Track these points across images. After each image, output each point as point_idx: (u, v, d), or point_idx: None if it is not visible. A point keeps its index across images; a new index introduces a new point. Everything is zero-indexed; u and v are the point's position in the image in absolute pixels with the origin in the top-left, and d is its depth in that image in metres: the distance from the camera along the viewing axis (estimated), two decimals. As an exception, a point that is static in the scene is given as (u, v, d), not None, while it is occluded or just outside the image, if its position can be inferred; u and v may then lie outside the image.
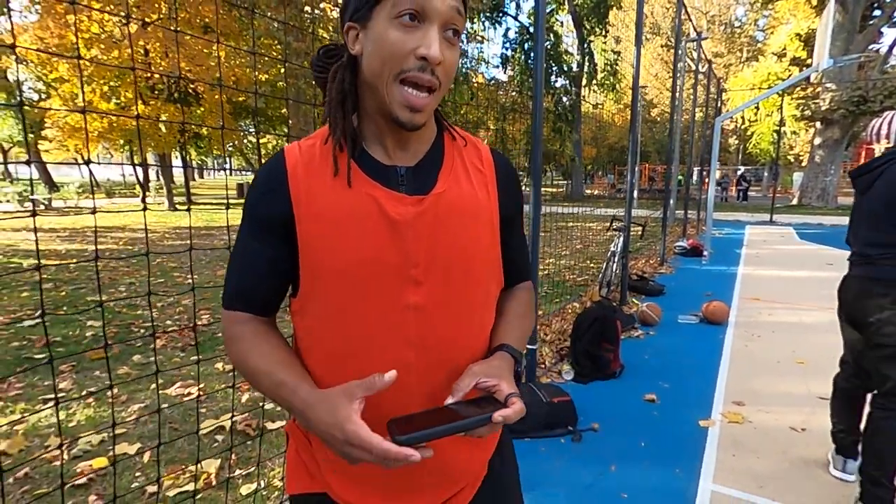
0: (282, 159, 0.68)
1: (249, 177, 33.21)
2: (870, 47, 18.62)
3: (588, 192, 29.77)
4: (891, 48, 19.70)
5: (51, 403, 2.72)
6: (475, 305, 0.73)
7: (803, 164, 24.36)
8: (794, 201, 20.35)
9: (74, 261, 3.40)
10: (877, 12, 18.34)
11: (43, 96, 21.36)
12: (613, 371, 3.19)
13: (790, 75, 21.29)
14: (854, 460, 2.08)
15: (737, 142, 32.70)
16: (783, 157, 28.38)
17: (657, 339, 3.97)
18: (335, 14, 18.43)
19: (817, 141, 18.63)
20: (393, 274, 0.66)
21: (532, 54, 2.85)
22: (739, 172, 26.20)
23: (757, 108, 23.66)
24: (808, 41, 22.07)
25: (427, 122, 0.68)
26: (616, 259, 5.03)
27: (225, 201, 20.36)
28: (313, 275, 0.67)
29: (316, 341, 0.71)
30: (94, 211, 0.79)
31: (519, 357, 0.75)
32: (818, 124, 18.52)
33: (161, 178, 16.60)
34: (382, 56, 0.62)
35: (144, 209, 1.02)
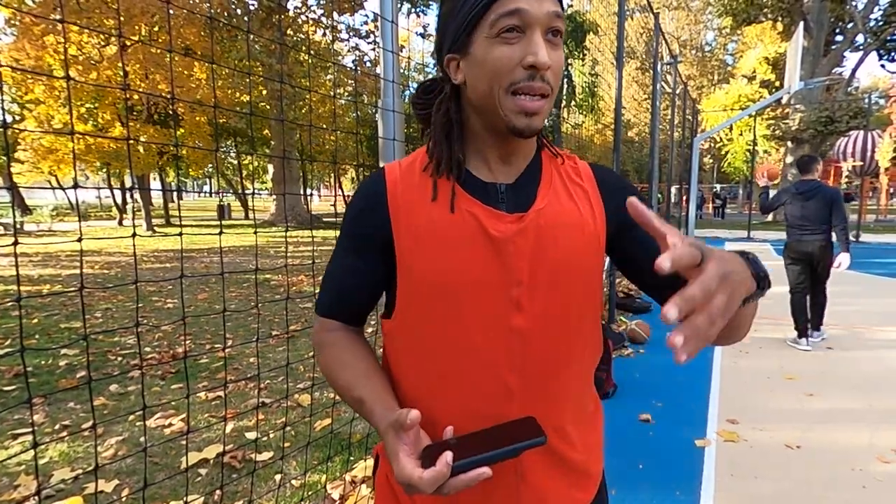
0: (381, 178, 0.69)
1: (229, 198, 32.81)
2: (834, 70, 19.48)
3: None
4: (853, 71, 20.63)
5: (20, 440, 2.58)
6: (581, 324, 0.69)
7: (776, 182, 25.13)
8: (769, 218, 20.91)
9: (55, 287, 3.26)
10: (839, 38, 19.24)
11: (17, 118, 20.93)
12: (606, 391, 3.16)
13: (760, 97, 22.10)
14: (811, 336, 4.22)
15: (711, 161, 33.64)
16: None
17: (647, 357, 3.97)
18: (316, 37, 18.59)
19: (789, 159, 19.26)
20: (494, 294, 0.64)
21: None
22: (714, 190, 26.87)
23: (730, 128, 24.44)
24: (775, 65, 23.00)
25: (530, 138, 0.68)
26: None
27: (205, 223, 19.98)
28: (411, 293, 0.66)
29: (413, 362, 0.69)
30: (79, 238, 0.74)
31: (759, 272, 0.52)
32: (789, 143, 19.17)
33: (139, 200, 16.28)
34: (489, 74, 0.61)
35: (134, 234, 0.96)
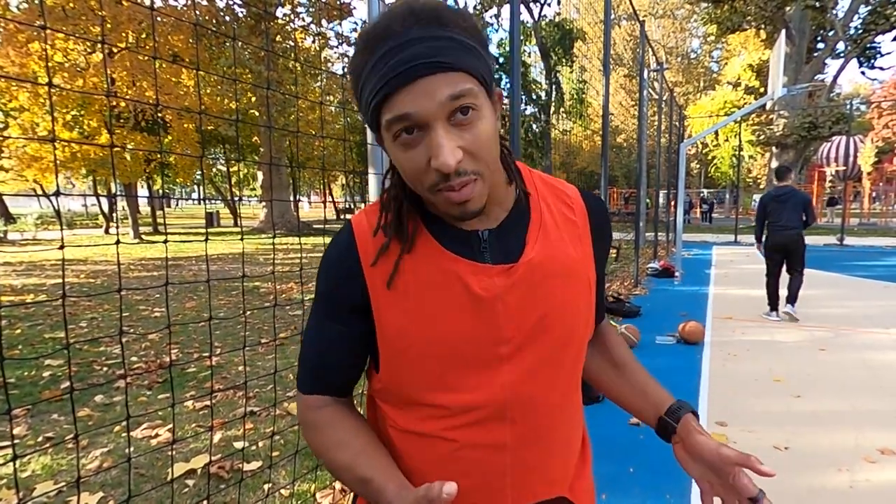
0: (351, 239, 0.64)
1: (218, 206, 32.56)
2: (816, 77, 19.88)
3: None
4: (835, 78, 21.05)
5: (1, 452, 2.53)
6: (568, 367, 0.66)
7: (761, 186, 25.50)
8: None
9: (39, 296, 3.21)
10: (820, 45, 19.64)
11: (1, 126, 20.64)
12: (597, 395, 3.16)
13: (745, 103, 22.47)
14: (786, 308, 5.17)
15: (698, 166, 34.08)
16: (742, 180, 29.65)
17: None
18: (306, 43, 18.61)
19: (774, 164, 19.55)
20: (479, 354, 0.61)
21: (508, 84, 2.93)
22: (702, 195, 27.19)
23: (716, 133, 24.80)
24: (759, 71, 23.42)
25: (499, 189, 0.63)
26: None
27: (194, 231, 19.83)
28: (391, 358, 0.63)
29: (402, 421, 0.65)
30: (62, 246, 0.73)
31: (696, 412, 0.73)
32: (774, 148, 19.48)
33: (126, 208, 16.11)
34: (406, 177, 0.57)
35: (118, 242, 0.95)
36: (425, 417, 0.63)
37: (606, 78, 4.72)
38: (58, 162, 14.16)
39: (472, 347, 0.60)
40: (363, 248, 0.63)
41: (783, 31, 6.86)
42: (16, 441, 2.62)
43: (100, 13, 12.27)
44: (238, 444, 2.55)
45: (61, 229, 0.85)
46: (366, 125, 0.66)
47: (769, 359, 3.96)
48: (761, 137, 20.16)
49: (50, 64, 12.70)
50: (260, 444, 2.60)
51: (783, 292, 5.24)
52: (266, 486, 2.18)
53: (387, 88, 0.51)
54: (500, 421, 0.62)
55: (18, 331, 4.79)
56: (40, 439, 2.65)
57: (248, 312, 5.63)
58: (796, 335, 4.62)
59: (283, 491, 2.16)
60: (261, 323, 5.23)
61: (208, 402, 3.09)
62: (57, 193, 0.77)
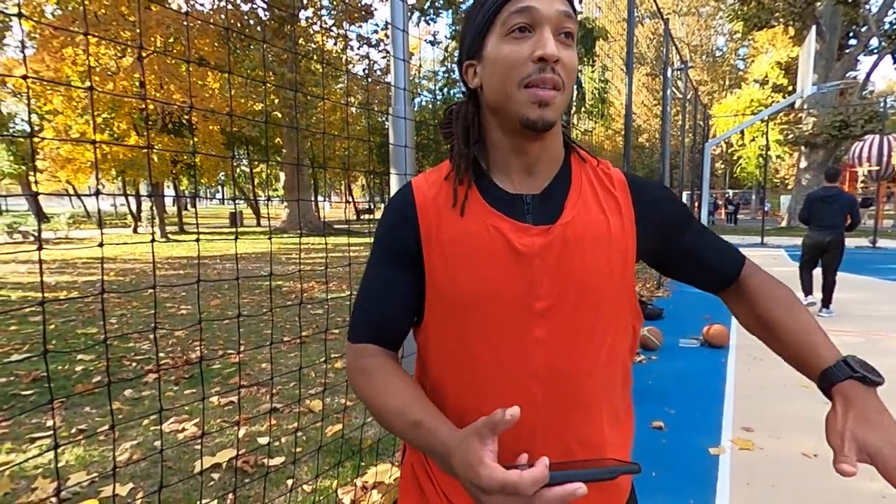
0: (410, 191, 0.71)
1: (241, 206, 33.17)
2: (847, 74, 19.27)
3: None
4: (868, 75, 20.38)
5: (38, 443, 2.63)
6: (604, 337, 0.68)
7: (789, 186, 24.84)
8: (783, 224, 20.66)
9: (72, 293, 3.33)
10: (852, 41, 19.04)
11: (36, 128, 21.40)
12: (618, 398, 3.13)
13: (773, 101, 21.92)
14: (820, 314, 5.31)
15: (723, 166, 33.36)
16: (769, 181, 28.93)
17: (659, 363, 3.93)
18: (329, 45, 18.83)
19: (803, 164, 19.04)
20: (517, 307, 0.65)
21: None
22: (727, 196, 26.62)
23: (742, 132, 24.24)
24: (788, 69, 22.81)
25: (553, 143, 0.69)
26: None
27: (216, 230, 20.23)
28: (437, 305, 0.67)
29: (440, 371, 0.70)
30: (101, 244, 0.76)
31: (869, 375, 0.62)
32: (803, 148, 18.96)
33: (154, 207, 16.54)
34: (501, 71, 0.63)
35: (153, 240, 0.99)
36: (462, 368, 0.66)
37: (629, 77, 4.67)
38: (92, 163, 14.62)
39: (511, 299, 0.64)
40: (420, 197, 0.69)
41: (813, 28, 6.67)
42: (50, 434, 2.72)
43: (130, 18, 12.62)
44: (262, 440, 2.60)
45: (101, 229, 0.89)
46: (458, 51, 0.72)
47: (797, 364, 3.87)
48: (789, 137, 19.65)
49: (82, 68, 13.13)
50: (283, 439, 2.64)
51: (818, 294, 5.55)
52: (289, 482, 2.22)
53: None
54: (533, 377, 0.65)
55: (52, 326, 4.96)
56: (73, 431, 2.74)
57: (273, 311, 5.73)
58: (826, 340, 4.49)
59: (305, 487, 2.20)
60: (283, 321, 5.31)
61: (233, 399, 3.16)
62: (97, 193, 0.80)
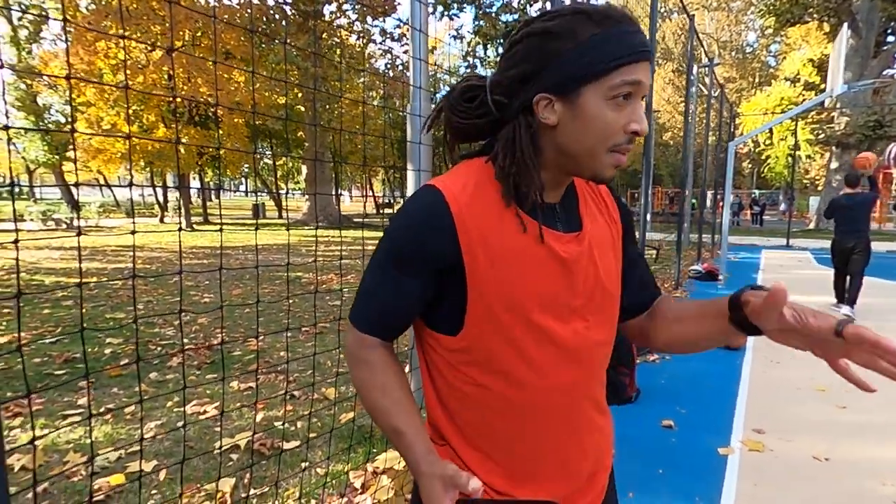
0: (441, 199, 0.67)
1: (264, 198, 33.73)
2: (884, 72, 18.60)
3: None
4: (906, 73, 19.62)
5: (69, 420, 2.77)
6: (614, 324, 0.81)
7: (819, 188, 24.14)
8: (811, 226, 20.11)
9: (101, 279, 3.48)
10: (890, 38, 18.36)
11: (69, 119, 22.08)
12: (629, 396, 3.15)
13: (804, 100, 21.30)
14: (842, 309, 5.43)
15: (750, 165, 32.57)
16: (798, 181, 28.14)
17: (673, 363, 3.92)
18: (352, 40, 18.96)
19: (834, 165, 18.49)
20: (562, 306, 0.72)
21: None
22: (753, 196, 26.01)
23: (771, 132, 23.62)
24: (821, 66, 22.11)
25: None
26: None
27: (239, 221, 20.57)
28: (483, 312, 0.69)
29: (484, 377, 0.72)
30: (133, 232, 0.83)
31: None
32: (834, 148, 18.40)
33: (180, 198, 16.97)
34: (597, 133, 0.65)
35: (180, 229, 1.06)
36: (503, 366, 0.71)
37: (651, 73, 4.63)
38: (122, 154, 15.06)
39: (559, 301, 0.71)
40: (456, 207, 0.67)
41: (845, 25, 6.48)
42: (82, 411, 2.87)
43: (161, 13, 12.93)
44: (278, 424, 2.70)
45: (133, 217, 0.96)
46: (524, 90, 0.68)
47: (814, 367, 3.81)
48: (820, 136, 19.09)
49: (113, 62, 13.51)
50: (298, 424, 2.74)
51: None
52: (303, 465, 2.31)
53: (633, 57, 0.63)
54: (572, 362, 0.73)
55: (84, 310, 5.18)
56: (101, 409, 2.88)
57: (291, 301, 5.87)
58: (847, 345, 4.41)
59: (318, 470, 2.28)
60: (301, 312, 5.44)
61: (252, 384, 3.27)
62: (130, 185, 0.87)
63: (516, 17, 19.64)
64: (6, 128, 0.72)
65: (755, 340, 4.50)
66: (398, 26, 17.47)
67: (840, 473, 2.34)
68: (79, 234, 0.82)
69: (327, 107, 16.89)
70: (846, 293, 5.55)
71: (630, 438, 2.67)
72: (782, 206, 27.54)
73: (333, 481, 2.18)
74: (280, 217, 24.71)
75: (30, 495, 2.00)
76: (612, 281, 0.78)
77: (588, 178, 0.70)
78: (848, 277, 5.53)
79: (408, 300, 0.71)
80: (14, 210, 0.78)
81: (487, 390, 0.72)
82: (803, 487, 2.23)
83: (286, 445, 2.50)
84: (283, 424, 2.70)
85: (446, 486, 0.63)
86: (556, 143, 0.68)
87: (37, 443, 2.41)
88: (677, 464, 2.43)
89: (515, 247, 0.68)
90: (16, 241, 0.71)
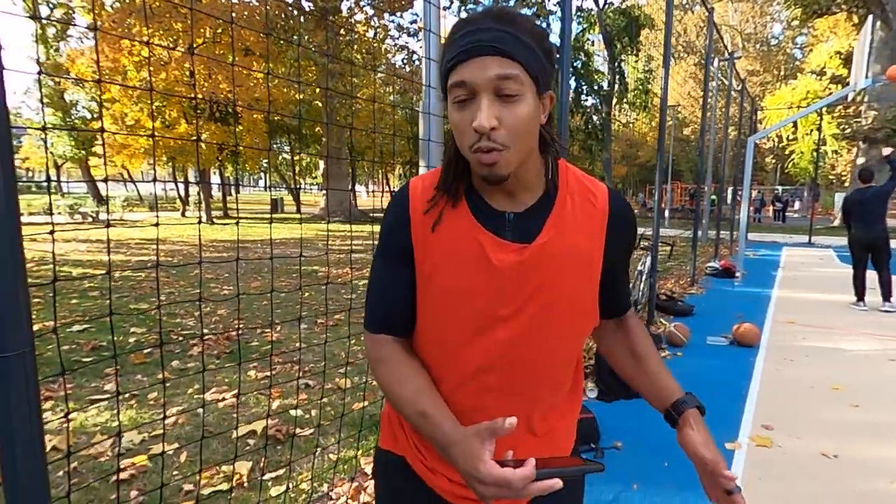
0: (406, 194, 0.77)
1: (282, 193, 34.19)
2: (916, 64, 17.97)
3: (618, 210, 29.34)
4: (939, 65, 18.95)
5: (97, 404, 2.91)
6: (561, 343, 0.78)
7: (846, 184, 23.52)
8: (836, 223, 19.61)
9: (124, 271, 3.61)
10: (922, 29, 17.72)
11: (95, 115, 22.65)
12: (637, 392, 3.16)
13: (831, 94, 20.72)
14: (883, 307, 5.49)
15: (774, 161, 31.83)
16: (824, 177, 27.43)
17: (684, 359, 3.92)
18: (368, 36, 19.05)
19: (860, 160, 17.98)
20: (485, 311, 0.74)
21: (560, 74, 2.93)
22: (776, 193, 25.45)
23: (795, 126, 23.05)
24: (849, 59, 21.44)
25: (525, 174, 0.73)
26: (643, 278, 5.00)
27: (258, 216, 20.84)
28: (426, 298, 0.76)
29: (420, 349, 0.80)
30: (156, 224, 0.90)
31: (703, 406, 0.81)
32: (861, 143, 17.90)
33: (200, 193, 17.32)
34: (457, 135, 0.70)
35: (200, 221, 1.13)
36: (436, 350, 0.77)
37: (666, 69, 4.59)
38: (145, 149, 15.42)
39: (480, 304, 0.74)
40: (414, 202, 0.76)
41: (870, 17, 6.32)
42: (108, 396, 3.01)
43: (182, 10, 13.16)
44: (293, 412, 2.79)
45: (156, 210, 1.03)
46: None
47: (830, 366, 3.77)
48: (847, 131, 18.58)
49: (137, 59, 13.81)
50: (312, 412, 2.83)
51: (869, 299, 5.67)
52: (316, 450, 2.40)
53: (454, 60, 0.66)
54: (490, 369, 0.76)
55: (108, 301, 5.37)
56: (126, 395, 3.01)
57: (307, 294, 5.99)
58: (865, 344, 4.34)
59: (331, 455, 2.37)
60: (318, 304, 5.55)
61: (268, 373, 3.38)
62: (154, 179, 0.94)
63: (534, 10, 19.47)
64: (44, 128, 0.79)
65: (770, 339, 4.47)
66: (414, 21, 17.49)
67: (847, 471, 2.33)
68: (108, 226, 0.89)
69: (344, 102, 17.02)
70: (880, 290, 5.58)
71: (636, 431, 2.70)
72: (796, 204, 26.90)
73: (344, 466, 2.26)
74: (298, 212, 25.04)
75: (60, 473, 2.13)
76: (567, 298, 0.75)
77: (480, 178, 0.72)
78: (876, 274, 5.57)
79: (400, 289, 0.77)
80: (50, 201, 0.86)
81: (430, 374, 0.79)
82: (809, 483, 2.23)
83: (300, 431, 2.59)
84: (296, 411, 2.79)
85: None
86: None
87: (66, 425, 2.55)
88: (683, 457, 2.43)
89: (454, 248, 0.73)
90: (52, 232, 0.78)
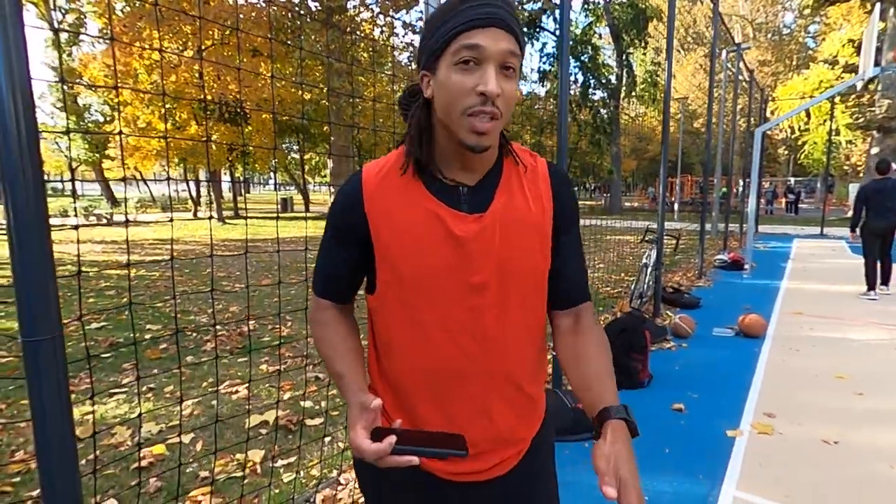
0: (359, 180, 0.81)
1: (291, 192, 34.46)
2: (931, 51, 17.62)
3: (628, 204, 29.23)
4: (955, 51, 18.54)
5: (115, 397, 3.02)
6: (528, 302, 0.83)
7: (861, 174, 23.13)
8: (850, 213, 19.32)
9: (139, 271, 3.72)
10: (938, 15, 17.36)
11: (107, 118, 23.01)
12: (641, 381, 3.21)
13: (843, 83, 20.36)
14: (881, 289, 5.75)
15: (787, 152, 31.40)
16: (838, 168, 27.02)
17: (689, 351, 3.94)
18: (375, 34, 19.11)
19: (875, 150, 17.69)
20: (457, 281, 0.78)
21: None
22: (788, 184, 25.14)
23: (808, 116, 22.72)
24: (861, 47, 21.08)
25: (493, 147, 0.79)
26: (649, 271, 5.02)
27: (268, 214, 21.03)
28: (389, 279, 0.80)
29: (392, 335, 0.83)
30: (171, 220, 0.97)
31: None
32: (875, 133, 17.62)
33: (212, 193, 17.54)
34: (448, 97, 0.72)
35: (211, 218, 1.20)
36: (411, 331, 0.80)
37: (669, 60, 4.60)
38: (157, 151, 15.65)
39: (450, 276, 0.78)
40: (368, 187, 0.79)
41: (878, 5, 6.25)
42: (125, 390, 3.12)
43: (192, 12, 13.32)
44: (303, 403, 2.88)
45: (171, 210, 1.10)
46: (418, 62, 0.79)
47: (836, 356, 3.78)
48: (860, 120, 18.28)
49: (148, 62, 14.01)
50: (322, 403, 2.91)
51: (882, 289, 5.81)
52: (325, 439, 2.48)
53: (471, 24, 0.69)
54: (470, 336, 0.80)
55: (124, 299, 5.51)
56: (143, 389, 3.12)
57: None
58: (872, 334, 4.34)
59: (339, 444, 2.45)
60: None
61: (279, 367, 3.47)
62: (168, 179, 1.01)
63: (539, 5, 19.39)
64: (68, 131, 0.87)
65: (777, 330, 4.47)
66: (421, 18, 17.50)
67: (848, 456, 2.36)
68: (126, 224, 0.97)
69: (351, 101, 17.11)
70: (881, 275, 5.77)
71: (639, 420, 2.71)
72: (802, 194, 26.46)
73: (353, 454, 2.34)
74: (307, 211, 25.23)
75: (84, 462, 2.24)
76: (524, 261, 0.80)
77: (460, 145, 0.74)
78: (880, 262, 5.76)
79: (343, 266, 0.84)
80: (74, 201, 0.94)
81: (392, 346, 0.84)
82: (809, 469, 2.27)
83: (309, 421, 2.68)
84: (306, 402, 2.88)
85: (361, 411, 0.73)
86: (437, 114, 0.77)
87: (87, 417, 2.65)
88: (684, 444, 2.50)
89: (415, 222, 0.77)
90: (76, 227, 0.86)
